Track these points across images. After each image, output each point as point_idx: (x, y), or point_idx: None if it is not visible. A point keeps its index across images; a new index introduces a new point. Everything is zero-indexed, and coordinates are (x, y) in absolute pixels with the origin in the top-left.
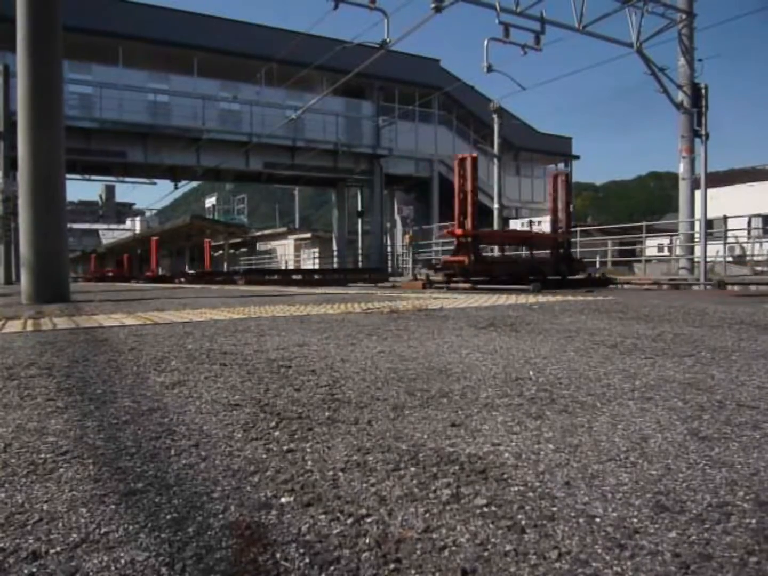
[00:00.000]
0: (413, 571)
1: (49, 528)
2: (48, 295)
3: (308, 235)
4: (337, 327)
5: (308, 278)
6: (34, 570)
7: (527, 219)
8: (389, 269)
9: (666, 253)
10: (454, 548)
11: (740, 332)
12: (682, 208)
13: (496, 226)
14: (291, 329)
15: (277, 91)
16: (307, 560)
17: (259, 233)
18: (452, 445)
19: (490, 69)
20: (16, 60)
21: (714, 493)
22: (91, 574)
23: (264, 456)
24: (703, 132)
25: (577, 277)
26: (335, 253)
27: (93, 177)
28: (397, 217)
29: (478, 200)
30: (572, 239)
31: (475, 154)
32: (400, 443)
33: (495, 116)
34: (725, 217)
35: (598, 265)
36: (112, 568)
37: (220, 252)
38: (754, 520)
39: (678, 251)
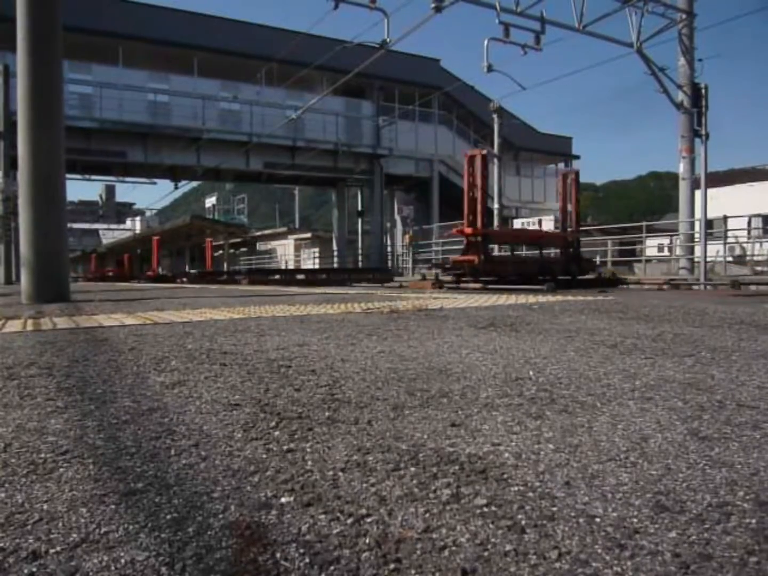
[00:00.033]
0: (413, 571)
1: (49, 528)
2: (48, 295)
3: (308, 235)
4: (337, 327)
5: (312, 278)
6: (34, 570)
7: (536, 218)
8: (389, 269)
9: (666, 253)
10: (454, 548)
11: (740, 332)
12: (682, 208)
13: (496, 226)
14: (291, 329)
15: (277, 91)
16: (307, 560)
17: (259, 233)
18: (452, 445)
19: (490, 69)
20: (16, 60)
21: (714, 493)
22: (91, 574)
23: (264, 456)
24: (703, 132)
25: (586, 277)
26: (335, 253)
27: (93, 177)
28: (397, 217)
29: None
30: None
31: (485, 151)
32: (400, 443)
33: (495, 116)
34: (725, 217)
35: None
36: (112, 568)
37: (220, 252)
38: (754, 520)
39: (678, 251)
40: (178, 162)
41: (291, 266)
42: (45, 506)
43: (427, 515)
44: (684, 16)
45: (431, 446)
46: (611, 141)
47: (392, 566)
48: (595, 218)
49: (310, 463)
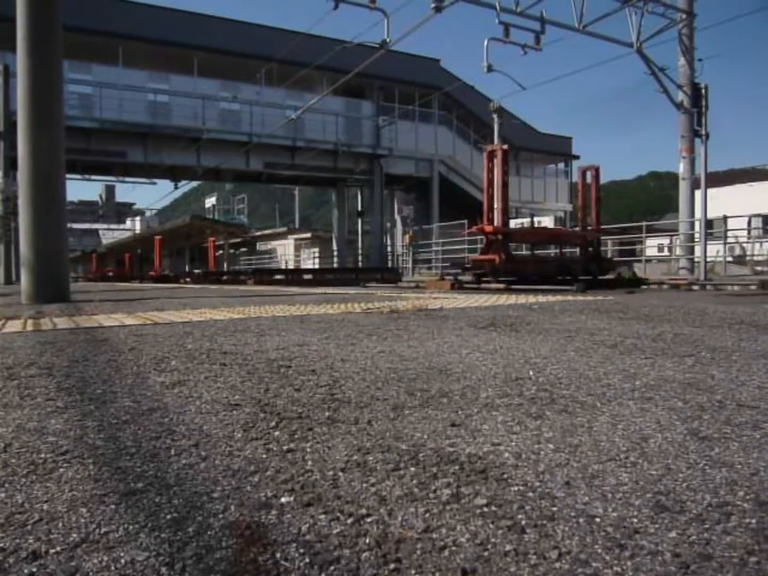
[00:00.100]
0: (413, 571)
1: (49, 528)
2: (48, 295)
3: (308, 235)
4: (337, 327)
5: (320, 278)
6: (34, 570)
7: (536, 219)
8: (398, 269)
9: (666, 253)
10: (454, 548)
11: (740, 332)
12: (682, 208)
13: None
14: (291, 329)
15: (277, 91)
16: (307, 560)
17: (259, 233)
18: (452, 445)
19: (490, 69)
20: (16, 60)
21: (714, 493)
22: (91, 574)
23: (264, 456)
24: (703, 132)
25: (607, 277)
26: (335, 253)
27: (93, 177)
28: (397, 217)
29: (478, 200)
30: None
31: (505, 146)
32: (400, 443)
33: (495, 116)
34: (725, 217)
35: None
36: (112, 568)
37: (221, 252)
38: (754, 520)
39: (678, 251)
40: (178, 162)
41: (291, 266)
42: (45, 506)
43: (427, 515)
44: (684, 16)
45: (431, 446)
46: (611, 141)
47: (392, 566)
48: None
49: (310, 463)
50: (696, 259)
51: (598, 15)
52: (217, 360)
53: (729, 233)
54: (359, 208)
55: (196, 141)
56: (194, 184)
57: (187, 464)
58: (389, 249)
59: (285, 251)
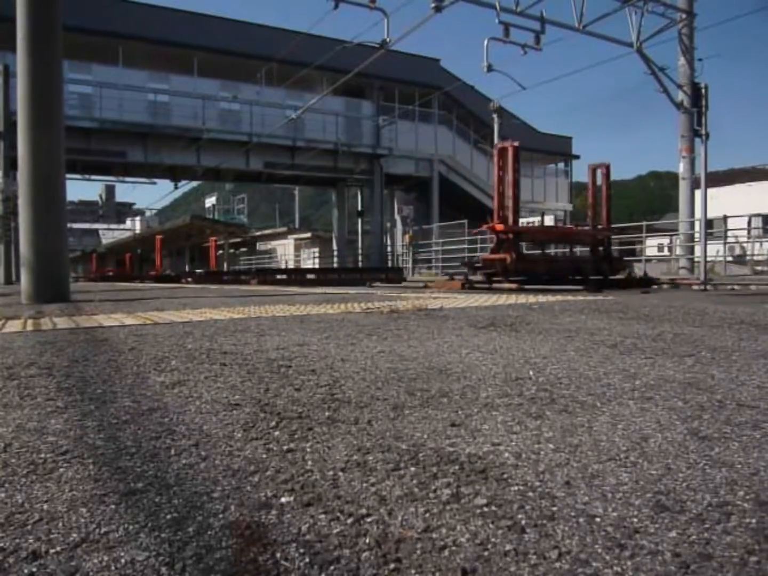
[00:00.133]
0: (413, 571)
1: (49, 528)
2: (48, 295)
3: (308, 234)
4: (337, 327)
5: (324, 278)
6: (34, 570)
7: (533, 218)
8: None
9: (666, 252)
10: (454, 548)
11: (740, 332)
12: (682, 208)
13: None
14: (291, 329)
15: (277, 91)
16: (307, 560)
17: (259, 233)
18: (452, 444)
19: (490, 69)
20: (16, 60)
21: (714, 492)
22: (91, 574)
23: (264, 456)
24: (703, 132)
25: (617, 276)
26: (335, 253)
27: (93, 177)
28: (397, 217)
29: (478, 200)
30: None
31: (516, 143)
32: (400, 443)
33: (495, 116)
34: (725, 217)
35: None
36: (112, 568)
37: (221, 252)
38: (754, 520)
39: (678, 251)
40: (178, 162)
41: (291, 266)
42: (45, 506)
43: (427, 515)
44: (684, 15)
45: (431, 446)
46: (611, 141)
47: (392, 566)
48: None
49: (310, 462)
50: (696, 259)
51: (598, 15)
52: (217, 360)
53: (729, 233)
54: (359, 208)
55: (196, 141)
56: (194, 184)
57: (187, 464)
58: (389, 249)
59: (285, 251)
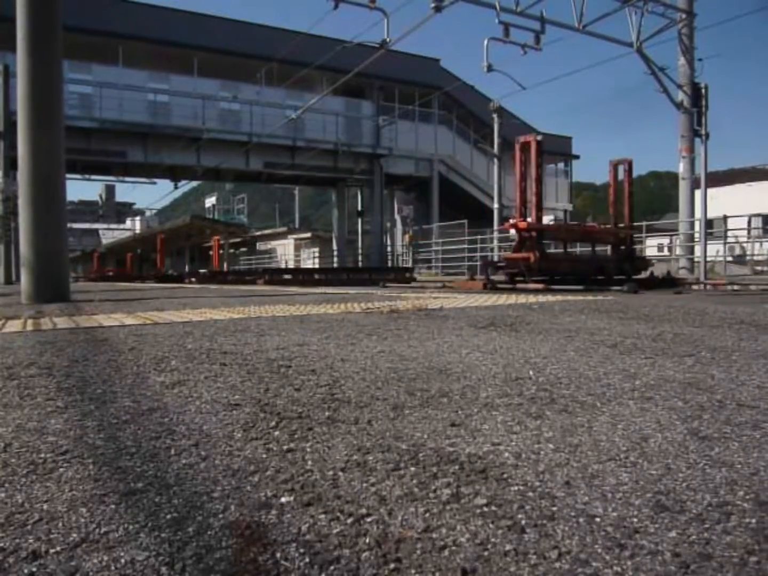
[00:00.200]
0: (413, 571)
1: (49, 528)
2: (48, 295)
3: (308, 234)
4: (337, 327)
5: (331, 278)
6: (34, 570)
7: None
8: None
9: (666, 252)
10: (454, 548)
11: (740, 332)
12: (682, 208)
13: (496, 225)
14: (291, 329)
15: (277, 91)
16: (307, 560)
17: (259, 233)
18: (452, 444)
19: (490, 69)
20: (16, 60)
21: (714, 492)
22: (91, 573)
23: (264, 456)
24: (703, 132)
25: (640, 276)
26: (335, 253)
27: (93, 177)
28: (397, 217)
29: (478, 200)
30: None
31: (540, 137)
32: (400, 443)
33: (495, 116)
34: (725, 217)
35: None
36: (112, 567)
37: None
38: (754, 520)
39: (678, 251)
40: (178, 162)
41: (291, 266)
42: (45, 506)
43: (427, 515)
44: (684, 15)
45: (431, 446)
46: (611, 141)
47: (392, 566)
48: (595, 218)
49: (310, 462)
50: (696, 259)
51: (598, 15)
52: (217, 360)
53: (729, 233)
54: (359, 208)
55: (196, 141)
56: (194, 184)
57: (187, 464)
58: (389, 249)
59: (285, 251)
